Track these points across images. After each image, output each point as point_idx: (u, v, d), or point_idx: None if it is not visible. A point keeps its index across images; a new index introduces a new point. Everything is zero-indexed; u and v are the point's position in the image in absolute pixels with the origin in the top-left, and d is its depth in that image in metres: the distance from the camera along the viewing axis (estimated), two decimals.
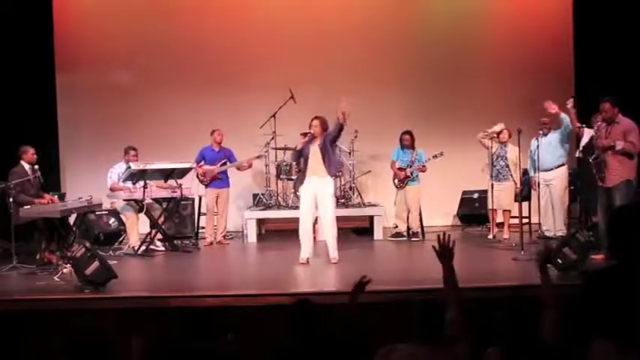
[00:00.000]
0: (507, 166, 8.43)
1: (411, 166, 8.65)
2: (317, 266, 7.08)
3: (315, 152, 7.10)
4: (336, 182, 8.14)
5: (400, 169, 8.73)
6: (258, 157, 9.23)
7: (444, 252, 3.19)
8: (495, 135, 8.45)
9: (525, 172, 8.58)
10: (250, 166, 9.20)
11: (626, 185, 6.50)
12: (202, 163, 8.91)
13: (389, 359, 2.93)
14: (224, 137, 9.01)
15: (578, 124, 7.63)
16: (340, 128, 7.04)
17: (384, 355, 2.97)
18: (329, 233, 7.12)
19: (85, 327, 2.86)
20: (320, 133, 7.13)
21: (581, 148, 7.88)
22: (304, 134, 7.52)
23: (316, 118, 7.19)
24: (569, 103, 7.45)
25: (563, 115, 7.67)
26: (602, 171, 6.63)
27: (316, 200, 7.11)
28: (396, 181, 8.79)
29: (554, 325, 2.92)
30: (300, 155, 7.29)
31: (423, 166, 8.64)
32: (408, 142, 8.73)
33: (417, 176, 8.72)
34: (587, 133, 7.56)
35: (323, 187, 7.09)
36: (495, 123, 8.49)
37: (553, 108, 7.59)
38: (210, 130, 9.01)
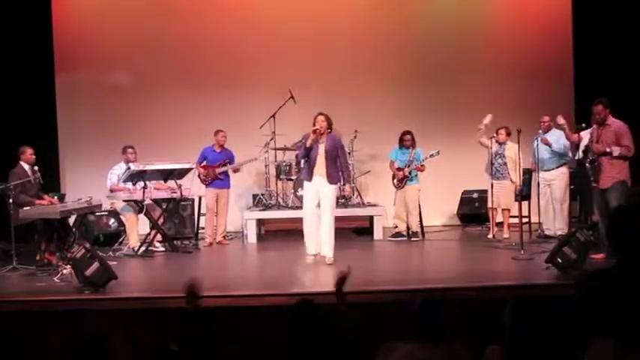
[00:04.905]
0: (505, 164, 8.41)
1: (409, 166, 8.64)
2: (317, 266, 7.06)
3: (321, 153, 6.99)
4: None
5: (399, 168, 8.72)
6: (254, 160, 9.20)
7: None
8: (494, 134, 8.44)
9: (525, 172, 8.57)
10: (239, 170, 9.06)
11: (621, 186, 6.49)
12: (204, 163, 8.90)
13: (388, 358, 2.94)
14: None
15: (576, 133, 7.60)
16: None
17: (383, 354, 2.97)
18: (325, 233, 7.00)
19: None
20: (326, 130, 6.98)
21: (583, 148, 7.85)
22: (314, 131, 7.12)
23: (321, 114, 7.03)
24: (560, 120, 7.46)
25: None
26: (597, 174, 6.61)
27: (319, 199, 7.04)
28: (395, 181, 8.78)
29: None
30: (308, 153, 7.04)
31: (422, 165, 8.61)
32: (409, 142, 8.68)
33: (415, 176, 8.70)
34: (586, 135, 7.54)
35: (325, 185, 7.01)
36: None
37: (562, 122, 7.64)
38: (210, 130, 9.00)
